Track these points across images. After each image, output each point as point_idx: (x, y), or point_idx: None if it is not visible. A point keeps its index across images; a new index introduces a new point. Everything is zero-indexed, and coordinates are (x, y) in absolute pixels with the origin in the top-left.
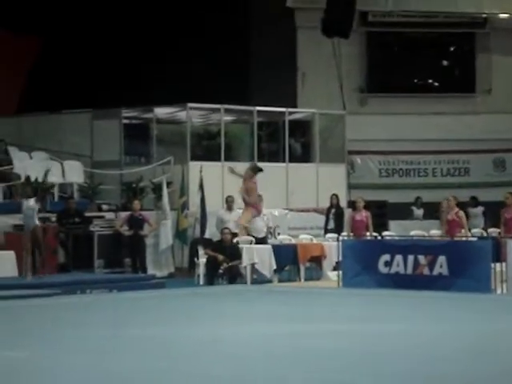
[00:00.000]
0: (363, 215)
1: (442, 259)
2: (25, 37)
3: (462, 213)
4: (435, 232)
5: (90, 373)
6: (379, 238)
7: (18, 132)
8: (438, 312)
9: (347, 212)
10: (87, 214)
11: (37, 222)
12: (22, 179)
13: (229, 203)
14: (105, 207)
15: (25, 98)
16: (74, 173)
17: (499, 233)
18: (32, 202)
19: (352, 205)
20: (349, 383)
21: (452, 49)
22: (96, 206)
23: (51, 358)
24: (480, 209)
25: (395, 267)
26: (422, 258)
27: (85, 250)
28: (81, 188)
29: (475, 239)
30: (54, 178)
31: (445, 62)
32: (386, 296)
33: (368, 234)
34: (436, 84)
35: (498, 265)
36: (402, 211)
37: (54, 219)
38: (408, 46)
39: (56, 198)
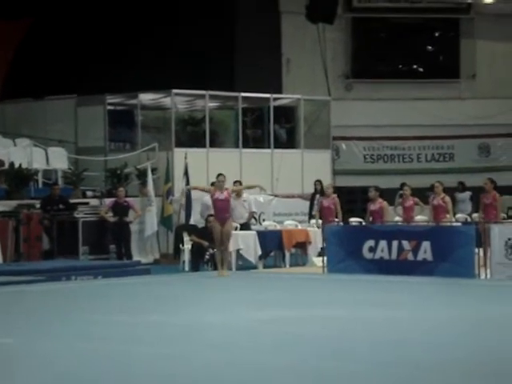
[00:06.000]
0: (330, 201)
1: (426, 244)
2: (7, 23)
3: (448, 198)
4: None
5: (74, 358)
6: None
7: (1, 119)
8: (422, 297)
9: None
10: (72, 201)
11: None
12: (6, 166)
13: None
14: (89, 194)
15: (8, 85)
16: (58, 159)
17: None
18: None
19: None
20: (332, 369)
21: (436, 34)
22: (80, 193)
23: (36, 345)
24: (467, 194)
25: (379, 253)
26: (406, 244)
27: (69, 237)
28: (65, 174)
29: (459, 224)
30: (38, 164)
31: (429, 48)
32: (370, 282)
33: (337, 219)
34: (420, 69)
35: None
36: (387, 197)
37: (37, 206)
38: (392, 32)
39: (40, 185)
